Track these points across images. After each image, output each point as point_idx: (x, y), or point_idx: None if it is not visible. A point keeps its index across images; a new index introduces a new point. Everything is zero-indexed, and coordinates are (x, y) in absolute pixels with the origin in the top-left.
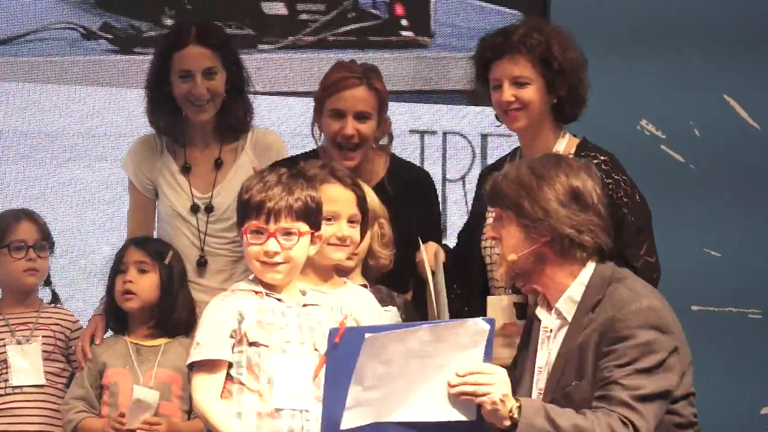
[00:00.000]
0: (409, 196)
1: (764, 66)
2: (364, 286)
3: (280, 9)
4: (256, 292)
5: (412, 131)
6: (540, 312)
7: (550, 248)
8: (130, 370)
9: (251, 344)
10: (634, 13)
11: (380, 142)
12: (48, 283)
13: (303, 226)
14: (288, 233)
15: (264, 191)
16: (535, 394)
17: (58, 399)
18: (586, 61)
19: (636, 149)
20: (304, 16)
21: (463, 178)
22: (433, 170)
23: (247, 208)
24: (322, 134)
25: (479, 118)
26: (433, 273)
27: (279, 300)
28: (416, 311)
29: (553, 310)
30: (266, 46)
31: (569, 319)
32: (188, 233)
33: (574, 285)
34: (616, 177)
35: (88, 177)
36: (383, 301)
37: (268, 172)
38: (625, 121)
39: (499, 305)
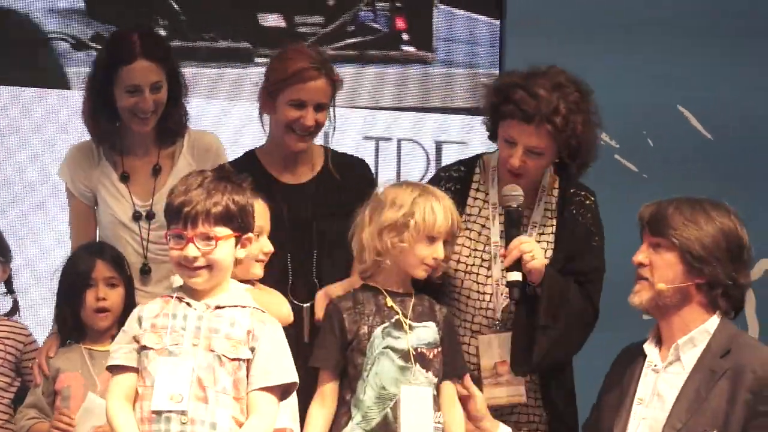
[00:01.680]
0: (353, 185)
1: (718, 76)
2: (409, 294)
3: (278, 21)
4: (170, 297)
5: (366, 138)
6: (648, 348)
7: (700, 290)
8: (82, 374)
9: (143, 348)
10: (587, 20)
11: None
12: (10, 291)
13: (222, 231)
14: (207, 238)
15: (183, 195)
16: (635, 423)
17: (4, 414)
18: (601, 125)
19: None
20: (302, 29)
21: None
22: (388, 176)
23: (168, 213)
24: (269, 118)
25: (433, 125)
26: None
27: (188, 304)
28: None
29: (673, 347)
30: (263, 60)
31: (684, 359)
32: (131, 241)
33: (699, 330)
34: (598, 221)
35: (42, 179)
36: (423, 315)
37: (194, 176)
38: None
39: (488, 344)
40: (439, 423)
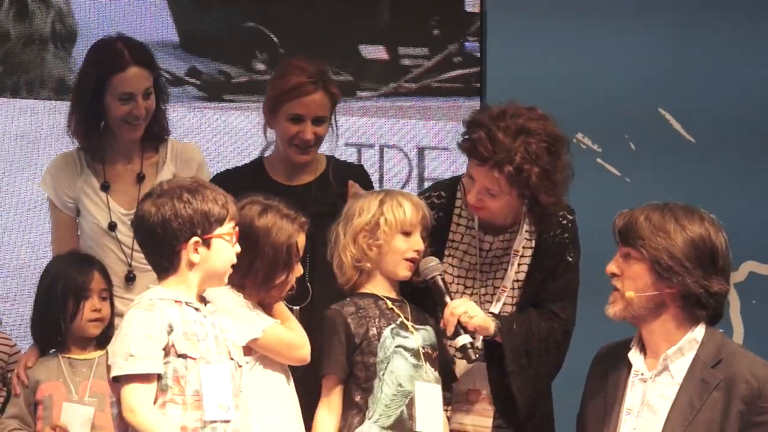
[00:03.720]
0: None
1: (698, 79)
2: (403, 301)
3: (381, 53)
4: (176, 301)
5: (348, 144)
6: (633, 356)
7: (673, 300)
8: (63, 383)
9: (179, 356)
10: (569, 22)
11: None
12: None
13: None
14: None
15: (232, 202)
16: None
17: None
18: (572, 176)
19: (572, 162)
20: (406, 61)
21: None
22: None
23: (221, 217)
24: (272, 132)
25: (416, 131)
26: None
27: (196, 309)
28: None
29: (662, 357)
30: (365, 93)
31: (673, 369)
32: (115, 249)
33: (687, 339)
34: (575, 238)
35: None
36: (420, 320)
37: (213, 185)
38: None
39: (467, 371)
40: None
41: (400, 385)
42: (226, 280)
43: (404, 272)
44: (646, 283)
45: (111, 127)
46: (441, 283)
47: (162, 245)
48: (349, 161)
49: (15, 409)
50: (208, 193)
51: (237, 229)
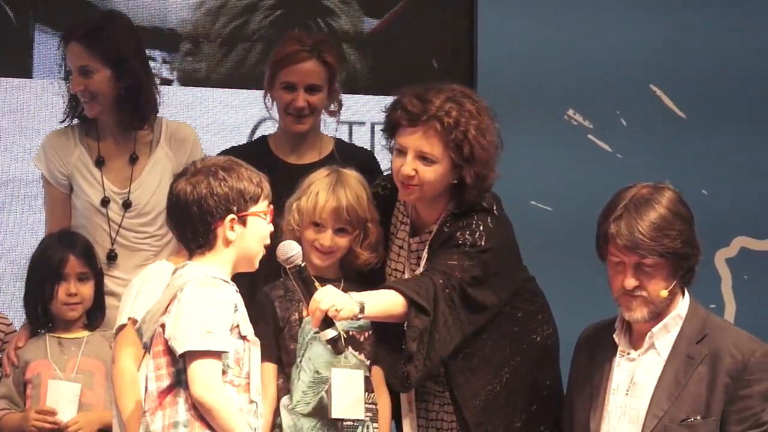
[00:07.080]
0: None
1: (690, 55)
2: (339, 279)
3: None
4: (223, 280)
5: (340, 122)
6: (618, 337)
7: (681, 280)
8: (51, 361)
9: (241, 337)
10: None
11: (330, 108)
12: None
13: None
14: None
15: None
16: (615, 413)
17: None
18: (501, 146)
19: (563, 139)
20: None
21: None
22: None
23: (260, 196)
24: (274, 103)
25: None
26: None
27: (237, 291)
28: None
29: (648, 335)
30: None
31: (659, 345)
32: (105, 226)
33: (672, 316)
34: (476, 236)
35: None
36: None
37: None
38: (552, 111)
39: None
40: (372, 404)
41: (317, 371)
42: (257, 264)
43: (316, 260)
44: (667, 277)
45: None
46: (304, 272)
47: (198, 223)
48: (358, 145)
49: (4, 389)
50: (243, 171)
51: (272, 207)
